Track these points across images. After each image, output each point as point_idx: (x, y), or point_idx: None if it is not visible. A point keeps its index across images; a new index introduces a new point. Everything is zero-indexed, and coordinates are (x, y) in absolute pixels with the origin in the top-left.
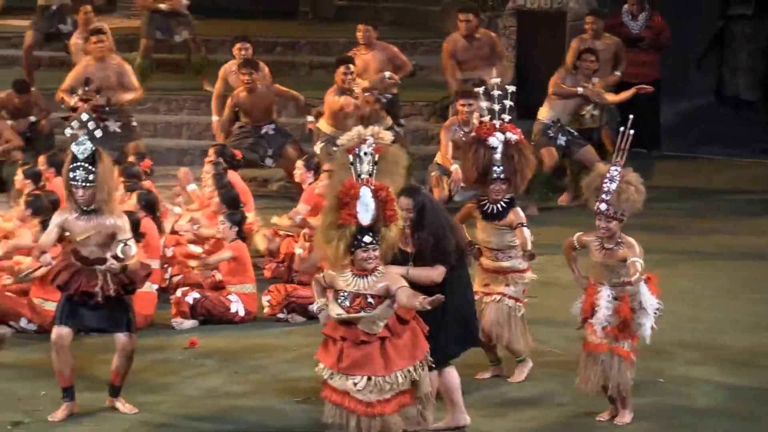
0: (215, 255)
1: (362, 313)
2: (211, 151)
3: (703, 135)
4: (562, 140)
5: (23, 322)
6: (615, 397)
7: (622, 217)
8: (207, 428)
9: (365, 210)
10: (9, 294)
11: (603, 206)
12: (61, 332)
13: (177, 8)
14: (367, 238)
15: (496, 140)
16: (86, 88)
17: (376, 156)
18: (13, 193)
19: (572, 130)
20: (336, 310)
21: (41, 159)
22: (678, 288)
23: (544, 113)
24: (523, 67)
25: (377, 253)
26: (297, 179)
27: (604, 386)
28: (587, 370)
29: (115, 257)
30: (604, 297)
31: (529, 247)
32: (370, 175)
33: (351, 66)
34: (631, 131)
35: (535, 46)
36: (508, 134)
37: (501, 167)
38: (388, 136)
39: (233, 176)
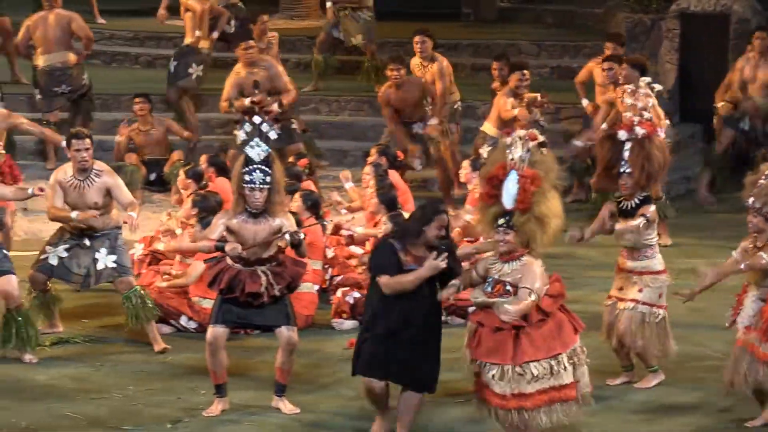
0: None
1: (498, 299)
2: (372, 152)
3: None
4: None
5: (183, 321)
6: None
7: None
8: (366, 428)
9: (507, 193)
10: (169, 293)
11: (750, 200)
12: (216, 332)
13: (358, 12)
14: (500, 221)
15: (624, 133)
16: (256, 91)
17: (531, 143)
18: (174, 192)
19: None
20: (475, 294)
21: (202, 158)
22: None
23: None
24: (685, 70)
25: (509, 237)
26: (462, 179)
27: (756, 390)
28: (733, 367)
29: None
30: (750, 297)
31: (625, 238)
32: (523, 160)
33: (526, 72)
34: None
35: (698, 49)
36: (637, 129)
37: (628, 162)
38: (538, 135)
39: (394, 176)
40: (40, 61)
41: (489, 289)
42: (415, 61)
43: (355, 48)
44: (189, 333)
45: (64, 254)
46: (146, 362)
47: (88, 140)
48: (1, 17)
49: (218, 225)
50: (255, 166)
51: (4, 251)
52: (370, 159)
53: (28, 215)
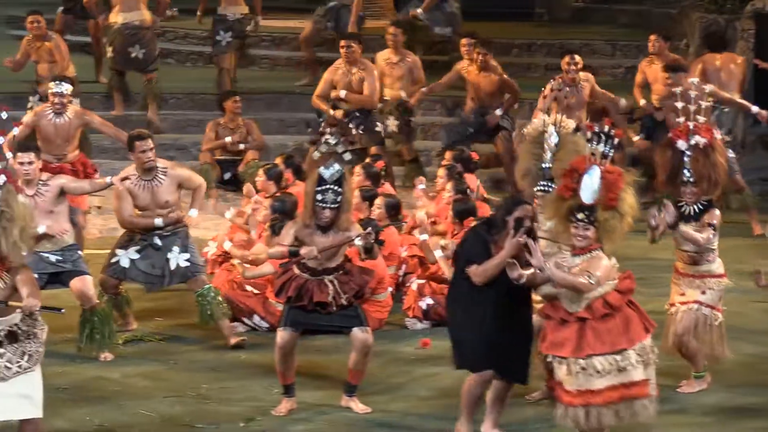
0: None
1: (563, 290)
2: (447, 155)
3: None
4: None
5: (256, 320)
6: None
7: None
8: (438, 428)
9: (588, 187)
10: (244, 291)
11: None
12: (285, 336)
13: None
14: (580, 215)
15: (684, 143)
16: (340, 96)
17: (615, 140)
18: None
19: None
20: (546, 289)
21: (278, 160)
22: None
23: None
24: (761, 71)
25: (589, 233)
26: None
27: None
28: None
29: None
30: None
31: (689, 244)
32: (605, 156)
33: (576, 57)
34: None
35: None
36: (697, 137)
37: (690, 170)
38: (570, 124)
39: (470, 179)
40: (119, 18)
41: None
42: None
43: (441, 41)
44: (262, 332)
45: (136, 256)
46: (219, 360)
47: (150, 140)
48: (90, 20)
49: (289, 234)
50: (327, 186)
51: (79, 252)
52: (444, 162)
53: (103, 213)
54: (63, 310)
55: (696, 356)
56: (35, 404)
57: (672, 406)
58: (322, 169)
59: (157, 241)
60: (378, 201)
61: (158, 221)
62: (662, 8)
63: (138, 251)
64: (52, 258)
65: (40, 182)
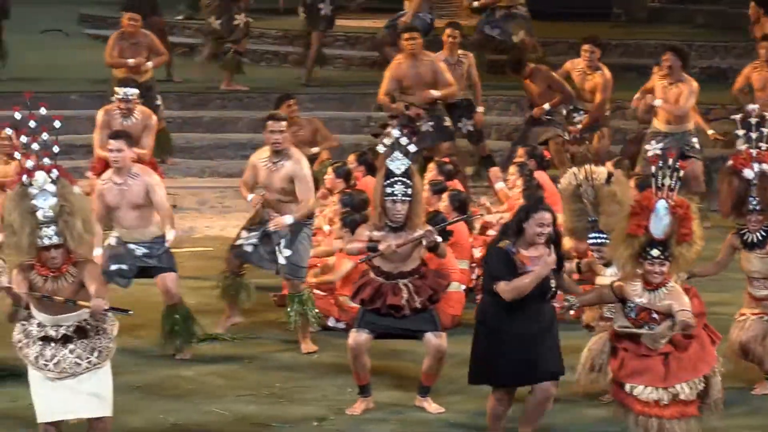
0: None
1: (645, 329)
2: (520, 152)
3: None
4: None
5: (331, 322)
6: None
7: None
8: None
9: (657, 223)
10: (318, 293)
11: None
12: (359, 339)
13: (513, 10)
14: (655, 252)
15: (750, 172)
16: (403, 97)
17: (681, 171)
18: (321, 191)
19: None
20: (621, 321)
21: (351, 157)
22: None
23: None
24: None
25: (665, 268)
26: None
27: None
28: None
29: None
30: None
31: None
32: (672, 189)
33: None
34: None
35: None
36: (764, 165)
37: (756, 198)
38: (601, 173)
39: (542, 177)
40: None
41: (633, 315)
42: (576, 66)
43: (515, 45)
44: (336, 332)
45: (257, 242)
46: (294, 360)
47: (283, 123)
48: (156, 18)
49: (364, 233)
50: (396, 178)
51: (166, 245)
52: (517, 159)
53: (177, 212)
54: (131, 312)
55: (763, 360)
56: (106, 402)
57: (743, 408)
58: (389, 162)
59: (271, 228)
60: (444, 195)
61: (249, 197)
62: (737, 8)
63: (259, 238)
64: (139, 252)
65: (130, 174)
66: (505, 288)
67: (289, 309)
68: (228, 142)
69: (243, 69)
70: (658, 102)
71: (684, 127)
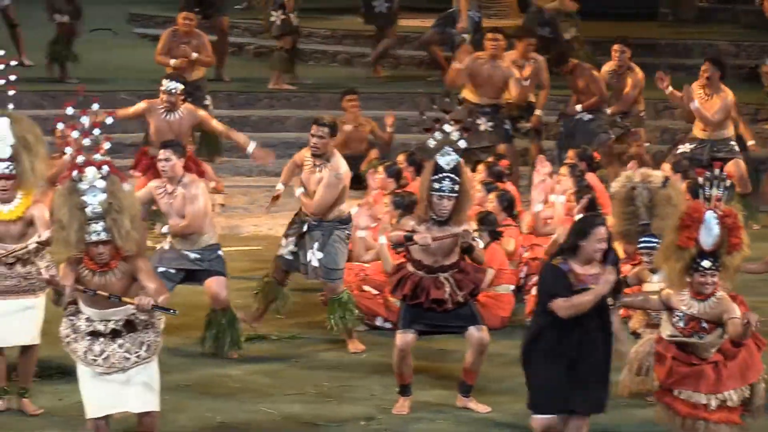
0: None
1: (694, 338)
2: (571, 153)
3: None
4: None
5: (379, 321)
6: None
7: None
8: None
9: (708, 234)
10: (366, 293)
11: None
12: (405, 338)
13: (562, 9)
14: (706, 263)
15: None
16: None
17: (728, 181)
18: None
19: None
20: (669, 330)
21: (401, 158)
22: None
23: None
24: None
25: (716, 279)
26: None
27: None
28: None
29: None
30: None
31: None
32: (719, 199)
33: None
34: None
35: None
36: None
37: None
38: (657, 176)
39: (592, 178)
40: None
41: (682, 324)
42: (609, 67)
43: (567, 42)
44: (383, 331)
45: (294, 248)
46: (341, 359)
47: (326, 129)
48: (221, 17)
49: (408, 223)
50: (444, 174)
51: (219, 252)
52: (567, 160)
53: (226, 211)
54: (176, 312)
55: None
56: (154, 396)
57: None
58: (438, 157)
59: (305, 228)
60: (492, 195)
61: (279, 186)
62: None
63: (295, 243)
64: (192, 255)
65: (180, 184)
66: (563, 305)
67: (329, 315)
68: (276, 141)
69: (293, 68)
70: (695, 104)
71: (722, 135)
